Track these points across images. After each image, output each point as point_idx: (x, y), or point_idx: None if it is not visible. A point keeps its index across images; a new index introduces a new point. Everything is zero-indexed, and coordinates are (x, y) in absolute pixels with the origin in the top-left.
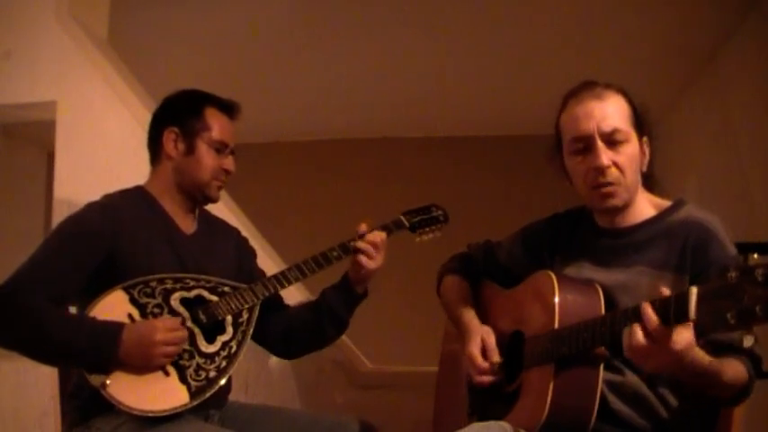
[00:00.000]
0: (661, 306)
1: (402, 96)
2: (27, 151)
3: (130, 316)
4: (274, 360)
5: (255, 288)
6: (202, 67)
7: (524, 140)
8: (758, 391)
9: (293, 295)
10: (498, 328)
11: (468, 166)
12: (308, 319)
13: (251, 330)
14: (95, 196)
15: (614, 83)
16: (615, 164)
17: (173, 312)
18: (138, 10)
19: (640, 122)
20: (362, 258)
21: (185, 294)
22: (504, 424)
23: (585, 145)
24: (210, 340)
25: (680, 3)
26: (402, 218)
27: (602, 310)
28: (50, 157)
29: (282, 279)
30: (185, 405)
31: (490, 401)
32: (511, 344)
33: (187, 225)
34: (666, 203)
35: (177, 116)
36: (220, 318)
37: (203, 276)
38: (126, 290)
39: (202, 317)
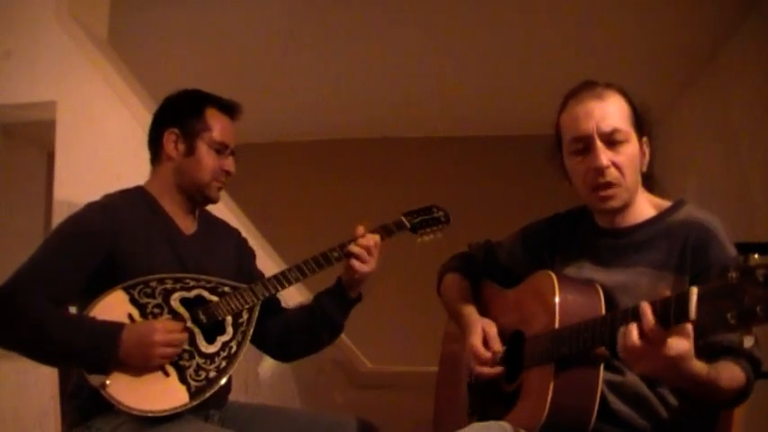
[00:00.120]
0: (661, 306)
1: (402, 96)
2: (27, 151)
3: (130, 316)
4: (274, 360)
5: (255, 288)
6: (202, 67)
7: (524, 140)
8: (758, 391)
9: (293, 296)
10: (498, 327)
11: (468, 166)
12: (304, 322)
13: (251, 331)
14: (95, 196)
15: (614, 83)
16: (615, 164)
17: (173, 312)
18: (138, 10)
19: (640, 122)
20: (355, 263)
21: (185, 294)
22: (504, 424)
23: (585, 145)
24: (210, 340)
25: (680, 2)
26: (403, 218)
27: (603, 310)
28: (50, 157)
29: (282, 279)
30: (185, 405)
31: (490, 401)
32: (511, 344)
33: (187, 225)
34: (666, 204)
35: (178, 117)
36: (220, 318)
37: (203, 276)
38: (126, 290)
39: (202, 317)
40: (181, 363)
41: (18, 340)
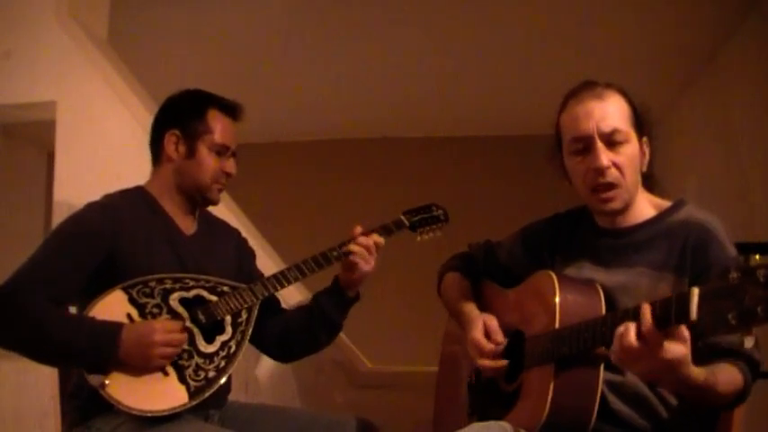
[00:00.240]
0: (662, 307)
1: (402, 96)
2: (27, 151)
3: (129, 316)
4: (274, 360)
5: (255, 288)
6: (202, 67)
7: (524, 140)
8: (758, 391)
9: (293, 295)
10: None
11: (468, 166)
12: (303, 323)
13: (250, 330)
14: (95, 196)
15: (614, 83)
16: (615, 164)
17: (172, 312)
18: (138, 10)
19: (640, 123)
20: (359, 261)
21: (184, 294)
22: (504, 424)
23: (585, 145)
24: (209, 340)
25: (680, 2)
26: (402, 217)
27: (603, 311)
28: (50, 157)
29: (282, 279)
30: (184, 405)
31: (490, 401)
32: (511, 343)
33: (187, 225)
34: (666, 204)
35: (179, 118)
36: (219, 318)
37: (203, 276)
38: (125, 290)
39: (201, 317)
40: (180, 362)
41: (18, 340)
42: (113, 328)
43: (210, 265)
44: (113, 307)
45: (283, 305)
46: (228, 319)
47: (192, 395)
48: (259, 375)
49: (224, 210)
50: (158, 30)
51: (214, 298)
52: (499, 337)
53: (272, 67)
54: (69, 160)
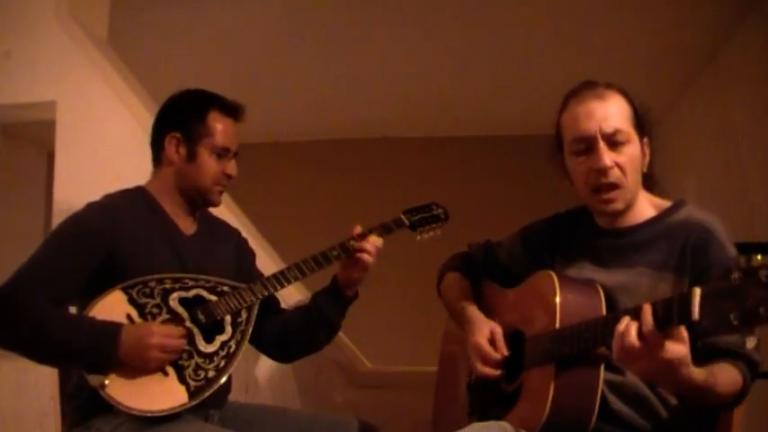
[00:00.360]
0: (663, 307)
1: (402, 96)
2: (27, 151)
3: (129, 316)
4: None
5: (254, 287)
6: (202, 67)
7: (524, 140)
8: (758, 391)
9: (292, 295)
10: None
11: (468, 166)
12: (301, 323)
13: (250, 330)
14: (95, 196)
15: (614, 83)
16: (617, 165)
17: (171, 312)
18: (138, 10)
19: (641, 123)
20: (366, 256)
21: (184, 294)
22: (504, 424)
23: (587, 146)
24: (209, 340)
25: (680, 3)
26: (402, 216)
27: (603, 311)
28: (50, 157)
29: (281, 279)
30: (184, 405)
31: (490, 401)
32: (511, 343)
33: (187, 226)
34: (666, 204)
35: (179, 121)
36: (219, 317)
37: (202, 276)
38: (125, 290)
39: (201, 317)
40: (180, 362)
41: (18, 340)
42: (113, 329)
43: (210, 265)
44: (113, 307)
45: (283, 305)
46: (228, 318)
47: (191, 395)
48: (259, 375)
49: (224, 210)
50: (158, 30)
51: (214, 298)
52: (503, 347)
53: (272, 67)
54: (69, 160)
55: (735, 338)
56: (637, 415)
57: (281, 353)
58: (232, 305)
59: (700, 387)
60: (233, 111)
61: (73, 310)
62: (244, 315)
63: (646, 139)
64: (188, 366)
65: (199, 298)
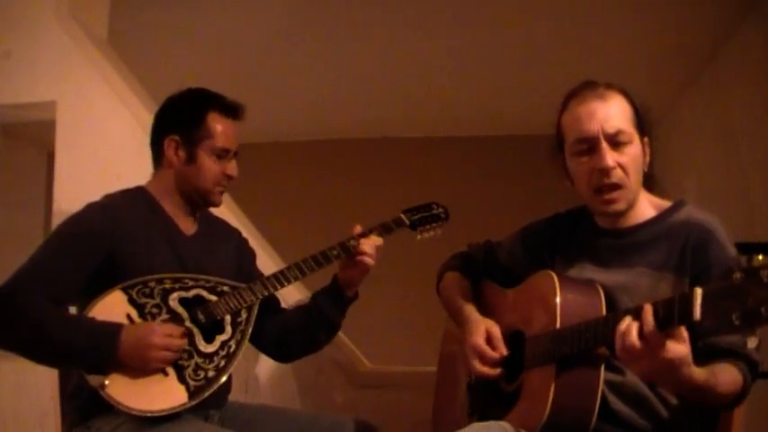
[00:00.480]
0: (665, 307)
1: (402, 96)
2: (27, 151)
3: (129, 316)
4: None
5: (254, 287)
6: (202, 67)
7: (524, 140)
8: (759, 391)
9: (292, 295)
10: (499, 327)
11: (468, 166)
12: (301, 322)
13: (250, 330)
14: (95, 196)
15: (615, 83)
16: (619, 165)
17: (171, 312)
18: (138, 10)
19: (642, 123)
20: (367, 259)
21: (184, 294)
22: (504, 424)
23: (589, 146)
24: (209, 340)
25: (680, 3)
26: (402, 216)
27: (604, 311)
28: (50, 157)
29: (281, 278)
30: (184, 405)
31: (490, 401)
32: (511, 344)
33: (187, 226)
34: (667, 204)
35: (178, 123)
36: (219, 317)
37: (202, 276)
38: (125, 290)
39: (201, 317)
40: (180, 362)
41: (18, 340)
42: (113, 329)
43: (210, 265)
44: (113, 307)
45: (283, 305)
46: (228, 318)
47: (191, 395)
48: (259, 375)
49: (224, 210)
50: (158, 30)
51: (214, 298)
52: (501, 346)
53: (272, 67)
54: (69, 160)
55: (736, 338)
56: (637, 415)
57: (281, 352)
58: (232, 305)
59: (700, 387)
60: (232, 111)
61: (73, 310)
62: (244, 315)
63: (646, 139)
64: (188, 366)
65: (199, 298)
